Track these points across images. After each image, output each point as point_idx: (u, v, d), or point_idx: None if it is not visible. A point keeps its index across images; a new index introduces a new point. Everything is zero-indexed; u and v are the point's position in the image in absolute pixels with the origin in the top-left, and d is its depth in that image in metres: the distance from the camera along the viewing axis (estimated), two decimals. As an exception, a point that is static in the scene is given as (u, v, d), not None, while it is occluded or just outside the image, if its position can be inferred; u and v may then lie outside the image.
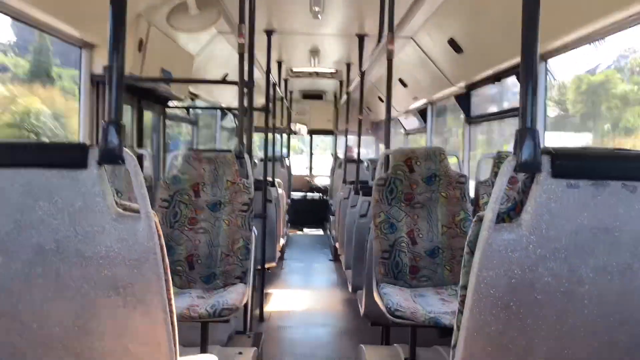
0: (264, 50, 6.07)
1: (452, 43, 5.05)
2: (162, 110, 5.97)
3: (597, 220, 1.29)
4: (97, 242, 1.39)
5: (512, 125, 5.08)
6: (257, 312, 5.26)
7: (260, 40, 5.67)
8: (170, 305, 1.46)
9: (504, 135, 6.07)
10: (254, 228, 3.45)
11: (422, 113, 7.86)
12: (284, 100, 10.56)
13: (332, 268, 8.01)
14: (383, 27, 4.61)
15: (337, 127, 11.03)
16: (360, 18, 5.72)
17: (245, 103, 4.14)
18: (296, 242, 10.34)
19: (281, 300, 6.18)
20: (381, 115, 9.94)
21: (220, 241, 3.38)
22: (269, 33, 6.08)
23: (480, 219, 1.35)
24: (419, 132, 8.75)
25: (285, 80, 9.88)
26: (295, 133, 12.51)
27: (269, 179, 6.13)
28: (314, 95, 12.18)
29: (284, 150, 11.81)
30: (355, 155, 6.71)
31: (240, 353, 3.26)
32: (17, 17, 3.17)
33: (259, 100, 9.85)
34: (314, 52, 7.45)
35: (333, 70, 8.96)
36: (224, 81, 6.61)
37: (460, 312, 1.41)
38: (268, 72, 6.07)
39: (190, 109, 7.45)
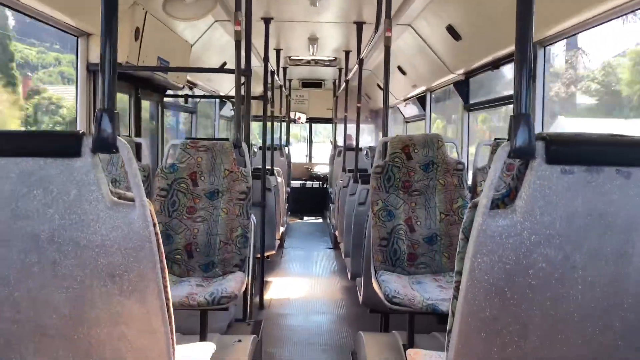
0: (262, 38, 6.04)
1: (451, 30, 5.03)
2: (160, 99, 5.95)
3: (591, 206, 1.29)
4: (92, 231, 1.39)
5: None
6: (256, 300, 5.29)
7: (258, 28, 5.65)
8: (166, 292, 1.47)
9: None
10: (252, 216, 3.45)
11: (421, 101, 7.84)
12: (283, 89, 10.53)
13: (331, 256, 8.04)
14: (381, 14, 4.59)
15: (337, 115, 11.01)
16: (358, 5, 5.69)
17: (243, 91, 4.13)
18: (296, 230, 10.36)
19: (281, 288, 6.21)
20: (380, 103, 9.96)
21: (219, 230, 3.39)
22: (267, 21, 6.05)
23: (475, 206, 1.35)
24: (417, 119, 8.73)
25: (284, 69, 9.85)
26: (294, 121, 12.49)
27: (268, 167, 6.13)
28: (313, 84, 12.14)
29: (284, 139, 11.81)
30: (354, 143, 6.70)
31: (239, 341, 3.27)
32: (13, 6, 3.16)
33: (258, 88, 9.83)
34: (313, 40, 7.41)
35: (332, 58, 8.92)
36: (220, 69, 6.58)
37: (455, 297, 1.42)
38: (266, 60, 6.05)
39: (189, 98, 7.43)
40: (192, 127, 8.10)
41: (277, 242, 6.82)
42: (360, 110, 6.76)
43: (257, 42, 5.67)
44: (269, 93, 7.52)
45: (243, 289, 3.09)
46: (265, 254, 5.83)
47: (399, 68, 7.61)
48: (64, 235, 1.39)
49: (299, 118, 12.50)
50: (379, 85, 9.96)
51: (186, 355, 1.97)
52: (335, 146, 11.19)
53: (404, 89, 8.24)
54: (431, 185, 3.44)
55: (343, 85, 8.78)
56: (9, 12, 3.89)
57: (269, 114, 6.90)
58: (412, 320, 3.03)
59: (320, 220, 11.71)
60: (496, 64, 4.72)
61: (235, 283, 2.96)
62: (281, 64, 8.87)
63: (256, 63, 6.19)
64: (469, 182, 4.04)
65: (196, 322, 3.01)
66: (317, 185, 12.47)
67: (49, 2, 3.23)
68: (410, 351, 2.11)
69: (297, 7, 5.73)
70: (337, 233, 7.46)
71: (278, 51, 8.23)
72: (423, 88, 7.37)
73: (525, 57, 1.33)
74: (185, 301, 2.77)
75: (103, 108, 1.42)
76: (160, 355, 1.52)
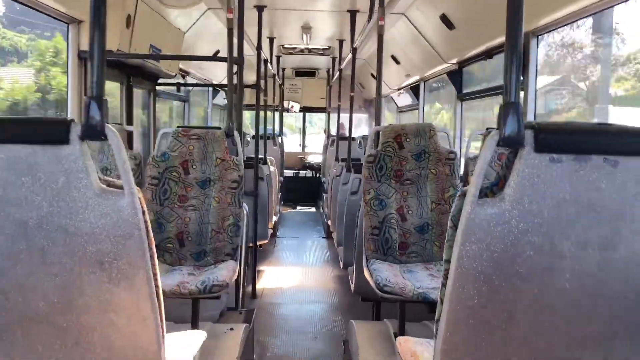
0: (255, 27, 6.00)
1: (444, 19, 5.01)
2: (152, 88, 5.92)
3: (579, 195, 1.30)
4: (80, 218, 1.38)
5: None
6: (249, 289, 5.30)
7: (251, 16, 5.60)
8: (155, 280, 1.47)
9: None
10: (244, 205, 3.45)
11: (415, 90, 7.84)
12: (276, 78, 10.48)
13: (324, 245, 8.05)
14: (374, 3, 4.56)
15: (330, 105, 10.99)
16: (352, -7, 5.66)
17: (236, 80, 4.11)
18: (289, 219, 10.37)
19: (273, 277, 6.22)
20: (374, 93, 9.96)
21: (211, 218, 3.38)
22: (260, 9, 6.00)
23: (464, 194, 1.35)
24: (411, 109, 8.73)
25: (278, 57, 9.80)
26: (287, 110, 12.45)
27: (261, 156, 6.12)
28: (307, 73, 12.09)
29: (277, 128, 11.78)
30: (347, 133, 6.70)
31: (231, 329, 3.28)
32: (1, -9, 3.12)
33: (251, 77, 9.78)
34: (306, 29, 7.37)
35: (325, 47, 8.88)
36: (213, 58, 6.53)
37: (444, 285, 1.43)
38: (259, 48, 6.01)
39: (182, 87, 7.39)
40: (185, 116, 8.06)
41: (270, 232, 6.83)
42: (353, 99, 6.75)
43: (250, 30, 5.63)
44: (262, 82, 7.47)
45: (235, 277, 3.10)
46: (258, 243, 5.83)
47: (393, 57, 7.59)
48: (53, 223, 1.38)
49: (292, 107, 12.46)
50: (372, 75, 9.94)
51: (177, 343, 1.97)
52: (328, 135, 11.18)
53: (397, 78, 8.22)
54: (423, 174, 3.45)
55: (337, 74, 8.76)
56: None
57: (262, 102, 6.87)
58: (403, 309, 3.04)
59: (313, 209, 11.72)
60: (489, 54, 4.72)
61: (226, 272, 2.97)
62: (274, 53, 8.82)
63: (249, 51, 6.15)
64: (462, 171, 4.05)
65: (188, 310, 3.02)
66: (311, 175, 12.47)
67: None
68: (400, 339, 2.12)
69: None
70: (329, 222, 7.48)
71: (271, 39, 8.19)
72: (417, 77, 7.36)
73: (515, 46, 1.33)
74: (176, 290, 2.77)
75: (92, 95, 1.42)
76: (150, 343, 1.53)
